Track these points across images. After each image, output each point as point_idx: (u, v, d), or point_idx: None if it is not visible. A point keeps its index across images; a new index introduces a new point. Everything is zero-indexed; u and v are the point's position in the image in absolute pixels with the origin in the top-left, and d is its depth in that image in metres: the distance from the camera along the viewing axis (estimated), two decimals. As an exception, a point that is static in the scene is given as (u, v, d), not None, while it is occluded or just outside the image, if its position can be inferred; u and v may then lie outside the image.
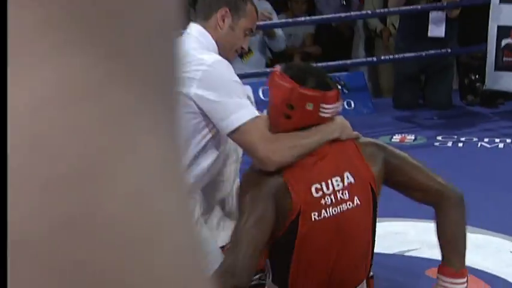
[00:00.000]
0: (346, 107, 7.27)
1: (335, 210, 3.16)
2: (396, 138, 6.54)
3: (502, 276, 3.96)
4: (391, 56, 7.91)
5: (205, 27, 3.47)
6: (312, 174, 3.18)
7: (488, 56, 7.19)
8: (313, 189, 3.14)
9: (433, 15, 7.28)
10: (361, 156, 3.27)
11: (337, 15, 8.75)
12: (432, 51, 7.32)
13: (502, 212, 4.82)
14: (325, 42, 9.55)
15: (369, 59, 8.77)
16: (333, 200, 3.16)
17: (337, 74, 7.47)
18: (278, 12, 8.81)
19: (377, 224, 3.39)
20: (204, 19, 3.49)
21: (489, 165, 5.85)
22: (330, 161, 3.23)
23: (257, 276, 3.45)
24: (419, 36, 7.34)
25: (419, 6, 7.30)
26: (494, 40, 7.13)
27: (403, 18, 7.72)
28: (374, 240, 3.35)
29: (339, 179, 3.18)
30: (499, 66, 7.17)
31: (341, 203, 3.17)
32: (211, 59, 3.30)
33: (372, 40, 9.06)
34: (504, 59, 7.15)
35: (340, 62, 7.86)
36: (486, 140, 6.39)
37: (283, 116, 3.27)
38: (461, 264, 3.29)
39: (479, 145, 6.30)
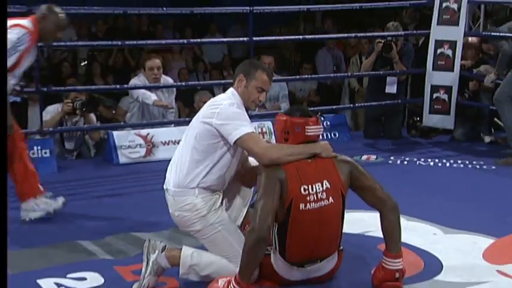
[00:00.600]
0: (332, 136, 7.48)
1: (316, 205, 3.29)
2: (364, 157, 6.54)
3: (427, 249, 4.01)
4: (362, 104, 8.20)
5: (234, 88, 3.60)
6: (302, 179, 3.30)
7: (424, 104, 7.37)
8: (302, 189, 3.28)
9: (388, 79, 7.42)
10: (336, 170, 3.37)
11: (328, 75, 9.11)
12: (388, 101, 7.45)
13: (429, 206, 4.89)
14: (323, 94, 9.82)
15: (348, 105, 9.06)
16: (314, 198, 3.29)
17: (327, 115, 7.54)
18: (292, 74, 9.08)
19: (348, 213, 3.50)
20: (233, 83, 3.62)
21: (423, 176, 5.94)
22: (315, 171, 3.33)
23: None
24: (380, 92, 7.46)
25: (381, 72, 7.44)
26: (428, 94, 7.31)
27: (370, 80, 7.84)
28: (342, 226, 3.44)
29: (320, 184, 3.31)
30: (432, 111, 7.33)
31: (320, 201, 3.30)
32: (227, 102, 3.47)
33: (353, 94, 9.31)
34: (435, 106, 7.31)
35: (333, 107, 8.16)
36: (422, 159, 6.45)
37: (283, 140, 3.44)
38: (397, 250, 3.41)
39: (417, 163, 6.34)
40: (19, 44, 4.29)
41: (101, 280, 3.59)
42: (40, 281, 3.56)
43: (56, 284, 3.53)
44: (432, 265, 3.79)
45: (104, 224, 4.53)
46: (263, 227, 3.20)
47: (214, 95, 9.00)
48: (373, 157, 6.62)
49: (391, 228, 3.44)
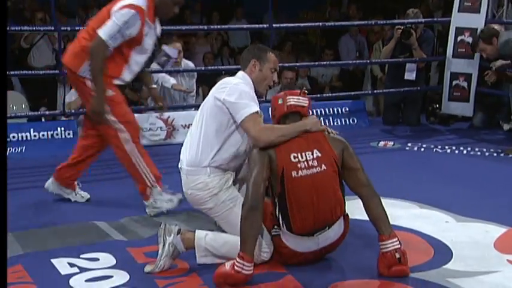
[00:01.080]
0: (350, 122, 7.43)
1: (308, 172, 3.32)
2: (382, 143, 6.51)
3: (438, 237, 3.93)
4: (382, 90, 8.10)
5: (245, 72, 3.63)
6: (291, 147, 3.36)
7: (444, 91, 7.28)
8: (291, 157, 3.33)
9: (408, 65, 7.32)
10: (327, 142, 3.43)
11: (347, 61, 9.00)
12: (407, 88, 7.35)
13: (443, 193, 4.80)
14: (346, 80, 9.73)
15: (366, 91, 8.97)
16: (306, 165, 3.33)
17: (347, 101, 7.52)
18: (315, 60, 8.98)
19: (356, 203, 3.52)
20: (244, 69, 3.64)
21: (439, 164, 5.84)
22: (304, 141, 3.39)
23: (272, 233, 3.47)
24: (399, 79, 7.36)
25: (400, 59, 7.34)
26: (448, 81, 7.23)
27: (389, 67, 7.72)
28: (343, 194, 3.45)
29: (310, 153, 3.37)
30: (451, 98, 7.25)
31: (312, 168, 3.33)
32: (237, 82, 3.54)
33: (375, 80, 9.20)
34: (454, 93, 7.23)
35: (351, 93, 8.00)
36: (439, 146, 6.35)
37: (273, 116, 3.60)
38: (388, 230, 3.38)
39: (434, 150, 6.25)
40: (126, 27, 4.12)
41: (113, 261, 3.58)
42: (54, 261, 3.56)
43: (69, 263, 3.53)
44: (442, 253, 3.72)
45: (121, 206, 4.52)
46: (255, 197, 3.27)
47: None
48: (390, 143, 6.54)
49: (378, 211, 3.43)
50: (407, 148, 6.40)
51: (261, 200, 3.29)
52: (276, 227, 3.46)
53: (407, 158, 5.97)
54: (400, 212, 4.36)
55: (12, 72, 6.51)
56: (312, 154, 3.37)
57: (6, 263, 2.42)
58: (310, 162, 3.35)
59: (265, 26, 6.94)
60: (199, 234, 3.49)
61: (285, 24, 7.70)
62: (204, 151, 3.52)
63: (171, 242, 3.42)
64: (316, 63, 8.66)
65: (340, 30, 10.30)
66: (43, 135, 6.07)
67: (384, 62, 7.87)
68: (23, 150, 5.96)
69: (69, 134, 6.14)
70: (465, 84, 7.13)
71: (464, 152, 6.23)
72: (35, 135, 6.04)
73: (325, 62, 8.65)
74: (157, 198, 4.32)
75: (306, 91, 3.63)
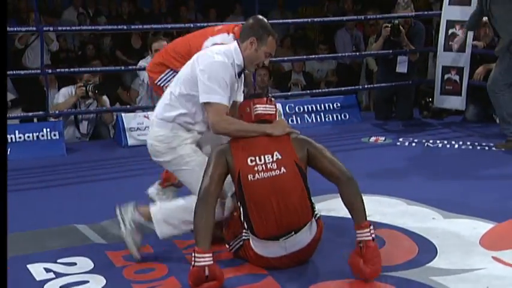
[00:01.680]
0: (342, 118, 7.38)
1: (266, 175, 3.27)
2: (372, 138, 6.46)
3: (424, 234, 3.88)
4: (372, 85, 8.05)
5: (240, 46, 3.56)
6: (250, 150, 3.33)
7: (436, 85, 7.22)
8: (248, 160, 3.29)
9: (399, 58, 7.26)
10: (290, 144, 3.37)
11: (336, 55, 8.95)
12: (399, 82, 7.31)
13: (431, 189, 4.76)
14: (342, 75, 9.67)
15: (357, 86, 8.84)
16: (264, 168, 3.28)
17: (339, 96, 7.47)
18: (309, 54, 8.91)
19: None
20: (242, 41, 3.58)
21: (429, 158, 5.81)
22: (265, 144, 3.35)
23: (236, 240, 3.47)
24: (391, 73, 7.33)
25: (390, 51, 7.27)
26: (439, 75, 7.17)
27: (380, 62, 7.70)
28: (308, 196, 3.36)
29: (269, 155, 3.32)
30: (443, 92, 7.19)
31: (270, 171, 3.28)
32: (217, 59, 3.47)
33: (371, 74, 9.16)
34: (446, 87, 7.17)
35: (342, 88, 7.87)
36: (431, 141, 6.30)
37: (241, 118, 3.49)
38: (362, 220, 3.28)
39: (425, 145, 6.20)
40: None
41: (90, 265, 3.53)
42: (30, 266, 3.51)
43: (45, 269, 3.47)
44: (426, 251, 3.66)
45: (104, 207, 4.42)
46: (203, 189, 3.26)
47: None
48: (381, 139, 6.50)
49: (350, 200, 3.33)
50: (398, 143, 6.34)
51: (211, 193, 3.26)
52: (245, 231, 3.43)
53: (398, 154, 5.91)
54: (387, 209, 4.32)
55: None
56: (272, 157, 3.32)
57: (6, 264, 2.41)
58: (269, 165, 3.29)
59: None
60: (154, 206, 3.58)
61: (273, 21, 7.60)
62: (173, 108, 3.54)
63: (129, 219, 3.51)
64: (305, 57, 8.66)
65: (337, 24, 10.25)
66: (28, 136, 6.02)
67: (373, 54, 7.85)
68: (8, 152, 5.88)
69: (55, 135, 6.10)
70: (457, 77, 7.08)
71: (456, 146, 6.18)
72: (20, 137, 5.99)
73: (313, 56, 8.61)
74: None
75: (273, 98, 3.59)
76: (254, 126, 3.43)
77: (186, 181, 3.63)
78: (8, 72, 6.68)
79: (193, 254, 3.16)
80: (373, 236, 3.25)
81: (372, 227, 3.27)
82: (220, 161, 3.34)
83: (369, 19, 8.62)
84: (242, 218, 3.37)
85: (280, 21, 8.53)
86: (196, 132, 3.62)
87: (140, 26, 7.52)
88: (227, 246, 3.56)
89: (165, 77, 4.36)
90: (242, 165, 3.29)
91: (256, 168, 3.29)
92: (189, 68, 3.56)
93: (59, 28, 5.80)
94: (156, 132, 3.58)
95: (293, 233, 3.33)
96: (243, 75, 3.73)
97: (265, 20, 3.72)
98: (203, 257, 3.14)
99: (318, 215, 3.47)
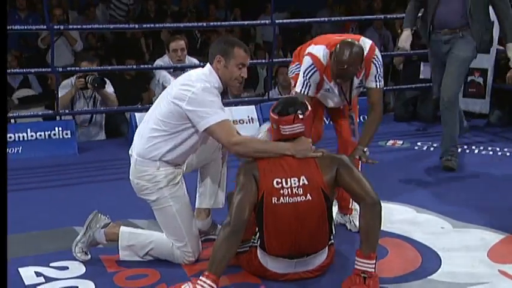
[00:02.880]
0: (361, 120, 7.23)
1: (291, 200, 3.13)
2: (390, 142, 6.33)
3: (430, 245, 3.77)
4: (393, 87, 7.92)
5: (212, 67, 3.44)
6: (277, 171, 3.17)
7: None
8: (274, 182, 3.14)
9: (423, 64, 7.16)
10: (317, 167, 3.20)
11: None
12: (421, 84, 7.20)
13: (443, 197, 4.64)
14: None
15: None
16: (289, 192, 3.13)
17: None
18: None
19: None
20: (211, 63, 3.45)
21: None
22: (292, 166, 3.19)
23: (242, 244, 3.33)
24: (415, 78, 7.24)
25: (411, 52, 6.90)
26: (463, 77, 7.02)
27: (405, 65, 7.55)
28: (330, 224, 3.26)
29: (296, 179, 3.15)
30: (466, 94, 7.01)
31: (296, 196, 3.13)
32: (201, 86, 3.31)
33: (397, 74, 8.92)
34: (469, 89, 7.00)
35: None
36: (450, 146, 6.19)
37: (273, 129, 3.35)
38: (369, 251, 3.10)
39: (445, 149, 6.06)
40: (307, 74, 3.94)
41: (82, 270, 3.48)
42: (21, 270, 3.47)
43: (36, 272, 3.44)
44: (430, 262, 3.56)
45: (106, 209, 4.33)
46: (237, 221, 3.11)
47: (258, 75, 9.07)
48: (399, 142, 6.37)
49: (366, 228, 3.15)
50: (416, 148, 6.20)
51: (243, 225, 3.13)
52: (254, 237, 3.36)
53: (415, 159, 5.77)
54: (395, 217, 4.21)
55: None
56: (299, 181, 3.17)
57: (6, 264, 2.39)
58: (294, 190, 3.15)
59: (267, 22, 6.79)
60: (124, 231, 3.57)
61: (288, 20, 7.54)
62: (155, 147, 3.41)
63: (91, 233, 3.54)
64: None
65: (365, 23, 10.14)
66: (40, 135, 6.02)
67: (394, 54, 7.71)
68: (20, 150, 5.91)
69: (66, 134, 6.09)
70: (481, 80, 6.90)
71: (476, 151, 6.02)
72: (32, 136, 5.99)
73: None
74: None
75: (301, 114, 3.30)
76: (277, 147, 3.26)
77: (163, 221, 3.52)
78: (18, 70, 6.83)
79: (201, 278, 3.06)
80: (376, 267, 3.12)
81: (377, 258, 3.14)
82: (251, 186, 3.17)
83: (392, 18, 8.43)
84: (255, 229, 3.30)
85: (299, 20, 8.38)
86: (181, 164, 3.53)
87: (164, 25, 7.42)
88: None
89: (293, 69, 4.24)
90: (267, 187, 3.15)
91: (282, 192, 3.15)
92: (167, 100, 3.39)
93: (70, 26, 5.77)
94: (142, 172, 3.46)
95: (305, 256, 3.26)
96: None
97: (228, 37, 3.68)
98: (210, 286, 3.03)
99: (332, 241, 3.39)
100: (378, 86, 3.86)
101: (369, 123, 4.03)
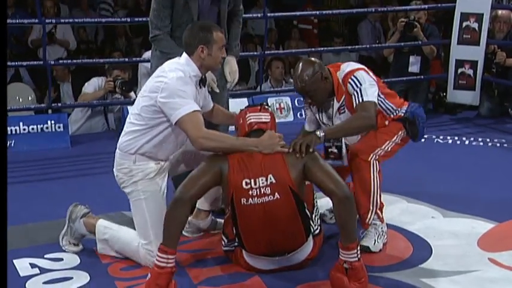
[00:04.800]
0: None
1: (259, 200, 3.13)
2: None
3: (421, 234, 3.82)
4: (384, 80, 7.87)
5: (191, 58, 3.39)
6: (245, 172, 3.16)
7: (448, 79, 7.05)
8: (243, 183, 3.13)
9: (411, 58, 7.13)
10: (284, 164, 3.17)
11: (343, 48, 8.85)
12: (411, 77, 7.16)
13: (434, 187, 4.68)
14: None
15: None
16: (258, 193, 3.13)
17: None
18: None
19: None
20: (190, 54, 3.39)
21: (437, 155, 5.68)
22: (260, 164, 3.17)
23: (229, 243, 3.40)
24: (403, 72, 7.20)
25: (402, 44, 7.11)
26: (453, 69, 7.00)
27: (393, 60, 7.52)
28: (304, 220, 3.22)
29: (264, 178, 3.15)
30: (456, 86, 7.03)
31: (264, 196, 3.13)
32: (172, 75, 3.28)
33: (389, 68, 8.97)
34: (460, 81, 7.01)
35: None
36: (441, 137, 6.19)
37: (237, 131, 3.48)
38: (348, 242, 3.07)
39: (435, 141, 6.09)
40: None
41: (77, 261, 3.52)
42: (16, 261, 3.50)
43: (31, 264, 3.47)
44: (421, 251, 3.61)
45: (101, 201, 4.42)
46: (183, 190, 3.15)
47: (249, 67, 9.08)
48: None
49: (341, 220, 3.12)
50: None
51: (190, 198, 3.16)
52: (232, 244, 3.39)
53: (405, 149, 5.57)
54: (387, 207, 4.13)
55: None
56: (266, 180, 3.15)
57: (6, 263, 2.38)
58: (262, 190, 3.14)
59: (259, 15, 6.83)
60: (100, 224, 3.58)
61: (280, 14, 7.56)
62: (133, 140, 3.41)
63: (73, 225, 3.61)
64: (322, 48, 8.58)
65: (360, 16, 10.15)
66: (32, 128, 6.01)
67: (385, 46, 7.72)
68: (12, 144, 5.91)
69: (59, 127, 6.07)
70: (471, 72, 6.91)
71: (467, 142, 6.07)
72: (24, 129, 5.99)
73: (322, 48, 8.55)
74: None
75: (268, 105, 3.44)
76: (243, 143, 3.25)
77: (134, 214, 3.51)
78: (9, 63, 6.81)
79: (158, 253, 3.07)
80: (359, 256, 3.10)
81: (358, 247, 3.11)
82: (212, 169, 3.21)
83: (382, 11, 8.46)
84: (234, 233, 3.30)
85: (290, 14, 8.40)
86: (161, 159, 3.49)
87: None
88: (223, 241, 3.48)
89: None
90: (236, 187, 3.15)
91: (250, 193, 3.14)
92: (146, 92, 3.38)
93: (61, 20, 5.76)
94: (120, 165, 3.47)
95: (286, 254, 3.28)
96: (207, 83, 3.62)
97: (199, 22, 3.70)
98: (167, 258, 3.04)
99: (316, 232, 3.37)
100: (362, 101, 3.54)
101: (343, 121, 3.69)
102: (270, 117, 3.40)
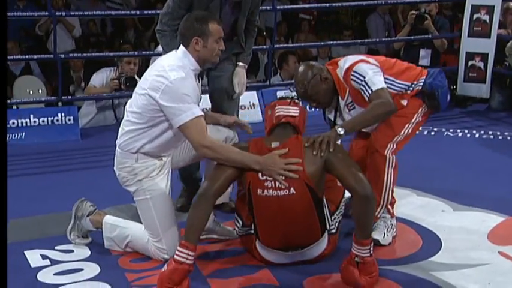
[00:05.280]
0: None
1: (274, 193, 3.12)
2: None
3: (431, 227, 3.82)
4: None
5: (187, 50, 3.32)
6: None
7: (459, 72, 7.05)
8: (259, 174, 3.14)
9: (422, 51, 7.09)
10: (302, 159, 3.15)
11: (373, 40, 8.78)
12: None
13: (444, 180, 4.68)
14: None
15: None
16: (273, 185, 3.12)
17: None
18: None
19: None
20: (186, 46, 3.33)
21: (446, 148, 5.66)
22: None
23: (246, 228, 3.40)
24: (414, 63, 7.12)
25: (412, 37, 7.09)
26: (463, 61, 6.99)
27: (404, 53, 7.42)
28: (320, 216, 3.21)
29: None
30: (466, 79, 7.03)
31: (279, 189, 3.12)
32: (173, 76, 3.20)
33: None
34: (470, 74, 7.01)
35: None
36: (451, 130, 6.18)
37: (264, 123, 3.45)
38: (362, 237, 3.07)
39: (445, 134, 6.08)
40: None
41: (87, 253, 3.55)
42: (27, 252, 3.53)
43: (42, 255, 3.50)
44: (431, 245, 3.61)
45: (110, 193, 4.42)
46: (208, 187, 3.14)
47: (258, 61, 9.06)
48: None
49: (358, 216, 3.11)
50: (417, 132, 6.17)
51: (214, 191, 3.14)
52: (249, 229, 3.38)
53: (415, 143, 5.59)
54: (397, 200, 4.21)
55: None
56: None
57: (6, 262, 2.43)
58: (277, 183, 3.13)
59: (268, 8, 6.81)
60: (106, 221, 3.58)
61: (289, 6, 7.53)
62: (134, 139, 3.36)
63: (79, 222, 3.61)
64: (319, 43, 8.58)
65: (369, 9, 10.10)
66: (43, 121, 6.05)
67: (395, 40, 7.69)
68: (23, 136, 5.95)
69: (69, 120, 6.11)
70: (481, 64, 6.91)
71: (477, 135, 6.06)
72: (34, 121, 6.02)
73: (331, 42, 8.48)
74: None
75: (298, 99, 3.36)
76: (244, 158, 3.19)
77: (140, 214, 3.50)
78: (20, 57, 6.86)
79: (179, 248, 3.06)
80: (371, 252, 3.10)
81: (372, 244, 3.12)
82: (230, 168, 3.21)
83: (392, 4, 8.43)
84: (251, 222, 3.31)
85: (307, 5, 8.37)
86: (164, 156, 3.46)
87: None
88: (237, 224, 3.47)
89: None
90: (253, 178, 3.16)
91: (265, 184, 3.14)
92: (144, 91, 3.29)
93: (71, 13, 5.79)
94: (122, 164, 3.43)
95: (299, 249, 3.28)
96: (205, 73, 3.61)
97: (196, 12, 3.58)
98: (187, 254, 3.03)
99: (333, 231, 3.36)
100: (372, 91, 3.45)
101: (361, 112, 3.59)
102: (299, 111, 3.36)
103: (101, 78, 6.44)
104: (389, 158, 3.59)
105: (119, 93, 6.31)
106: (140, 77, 6.33)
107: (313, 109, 4.25)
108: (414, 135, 3.77)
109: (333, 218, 3.36)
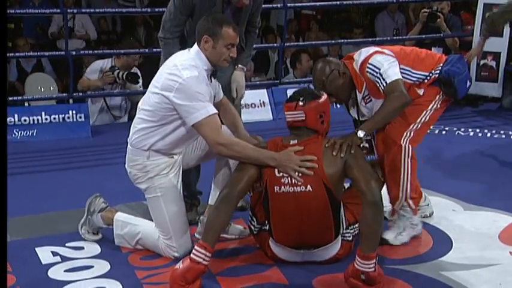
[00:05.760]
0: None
1: (291, 189, 3.13)
2: None
3: (441, 227, 3.80)
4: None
5: (200, 48, 3.33)
6: None
7: (471, 71, 6.89)
8: (276, 171, 3.15)
9: (433, 50, 6.79)
10: (320, 159, 3.16)
11: (384, 38, 8.73)
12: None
13: (455, 180, 4.66)
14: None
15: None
16: (289, 181, 3.13)
17: None
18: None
19: None
20: (198, 43, 3.34)
21: (458, 147, 5.63)
22: (296, 155, 3.17)
23: (260, 226, 3.37)
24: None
25: (423, 36, 7.06)
26: (475, 60, 6.87)
27: None
28: (336, 216, 3.21)
29: None
30: (478, 78, 7.01)
31: (296, 186, 3.13)
32: (186, 75, 3.20)
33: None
34: (482, 73, 7.00)
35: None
36: (462, 129, 6.18)
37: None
38: (368, 251, 3.00)
39: (456, 133, 6.08)
40: None
41: (97, 250, 3.56)
42: (38, 249, 3.55)
43: (53, 252, 3.51)
44: (441, 244, 3.59)
45: (121, 191, 4.44)
46: (229, 189, 3.16)
47: (269, 59, 9.06)
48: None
49: (364, 226, 3.08)
50: (428, 131, 6.14)
51: (237, 194, 3.16)
52: (263, 226, 3.38)
53: (426, 142, 5.60)
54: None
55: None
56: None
57: (6, 261, 2.41)
58: (294, 180, 3.14)
59: (278, 5, 6.81)
60: (117, 218, 3.59)
61: (300, 4, 7.52)
62: (145, 136, 3.37)
63: (90, 217, 3.64)
64: (342, 40, 8.55)
65: (379, 7, 10.08)
66: (54, 118, 6.09)
67: (406, 38, 7.64)
68: (34, 133, 5.99)
69: (80, 117, 6.15)
70: (493, 63, 6.89)
71: (489, 135, 6.05)
72: (46, 118, 6.06)
73: (342, 40, 8.47)
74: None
75: (301, 102, 3.28)
76: (259, 154, 3.21)
77: (152, 211, 3.50)
78: (31, 54, 6.90)
79: (197, 247, 3.06)
80: (376, 266, 3.03)
81: (377, 257, 3.04)
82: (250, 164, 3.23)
83: (403, 2, 8.41)
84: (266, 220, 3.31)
85: (309, 4, 8.35)
86: (176, 154, 3.46)
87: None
88: (251, 222, 3.43)
89: None
90: (270, 175, 3.17)
91: (282, 180, 3.15)
92: (156, 89, 3.30)
93: (82, 10, 5.81)
94: (134, 161, 3.44)
95: (312, 248, 3.28)
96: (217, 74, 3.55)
97: (219, 15, 3.58)
98: (204, 255, 3.04)
99: (348, 238, 3.33)
100: (386, 84, 3.43)
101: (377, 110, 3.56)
102: (304, 114, 3.27)
103: (95, 70, 6.43)
104: (405, 147, 3.55)
105: (129, 90, 6.32)
106: (141, 72, 6.45)
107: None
108: (434, 123, 3.74)
109: (350, 227, 3.34)
